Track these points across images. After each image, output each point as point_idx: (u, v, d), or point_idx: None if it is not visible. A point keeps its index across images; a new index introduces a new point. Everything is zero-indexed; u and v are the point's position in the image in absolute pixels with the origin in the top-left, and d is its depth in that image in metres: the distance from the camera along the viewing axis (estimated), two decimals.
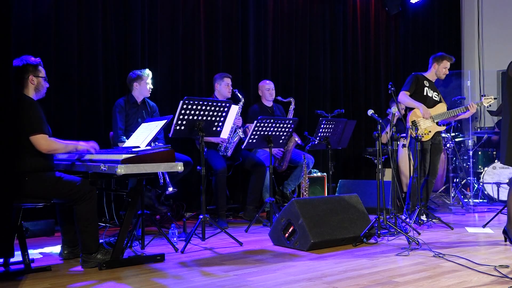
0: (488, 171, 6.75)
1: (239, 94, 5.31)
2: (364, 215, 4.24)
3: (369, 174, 7.45)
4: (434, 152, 5.25)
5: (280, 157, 5.63)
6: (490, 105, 5.28)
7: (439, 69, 5.31)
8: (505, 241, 4.03)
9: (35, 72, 3.39)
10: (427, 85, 5.27)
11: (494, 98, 5.28)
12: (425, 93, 5.23)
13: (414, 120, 5.14)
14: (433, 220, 5.02)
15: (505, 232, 4.00)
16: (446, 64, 5.32)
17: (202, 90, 5.98)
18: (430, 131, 5.16)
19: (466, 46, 8.78)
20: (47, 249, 3.98)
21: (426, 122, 5.15)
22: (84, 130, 5.11)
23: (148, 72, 4.86)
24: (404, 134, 5.98)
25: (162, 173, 4.50)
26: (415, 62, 8.11)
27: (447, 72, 5.37)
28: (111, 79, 5.36)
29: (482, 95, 5.34)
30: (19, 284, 2.96)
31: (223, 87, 5.36)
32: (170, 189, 4.54)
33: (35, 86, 3.39)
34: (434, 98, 5.27)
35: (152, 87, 4.92)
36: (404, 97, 5.20)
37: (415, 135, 4.91)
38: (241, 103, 5.32)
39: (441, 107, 5.26)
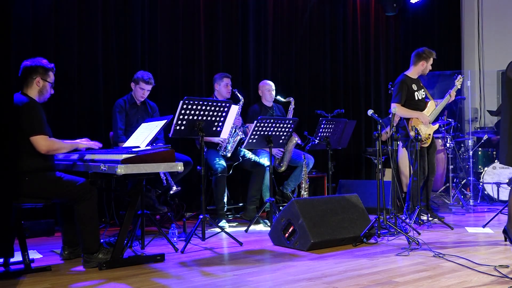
0: (488, 171, 6.75)
1: (238, 94, 5.31)
2: (364, 215, 4.24)
3: (369, 174, 7.46)
4: (429, 151, 5.25)
5: (280, 157, 5.63)
6: (461, 85, 5.37)
7: (427, 66, 5.24)
8: (505, 240, 4.03)
9: (43, 75, 3.40)
10: (415, 88, 5.19)
11: (462, 76, 5.41)
12: (416, 98, 5.17)
13: (416, 128, 5.12)
14: (434, 219, 5.02)
15: (505, 231, 4.00)
16: (432, 61, 5.28)
17: (202, 90, 5.99)
18: (429, 134, 5.16)
19: (466, 46, 8.78)
20: (47, 249, 3.98)
21: (425, 127, 5.14)
22: (84, 130, 5.11)
23: (147, 79, 4.84)
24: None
25: (164, 173, 4.51)
26: None
27: (431, 68, 5.33)
28: (111, 79, 5.37)
29: (455, 76, 5.37)
30: (19, 284, 2.96)
31: (223, 87, 5.37)
32: (174, 188, 4.55)
33: (40, 89, 3.39)
34: (422, 97, 5.24)
35: (147, 94, 4.91)
36: (399, 110, 5.10)
37: (414, 135, 4.91)
38: (240, 103, 5.32)
39: (431, 106, 5.24)
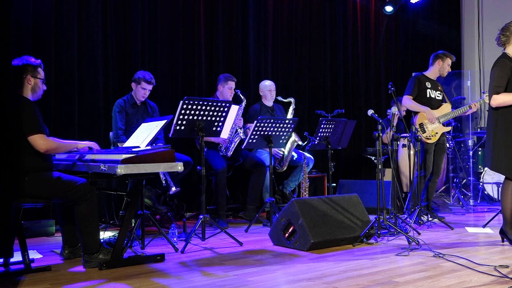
0: (488, 171, 6.75)
1: (241, 95, 5.31)
2: (364, 215, 4.24)
3: (369, 174, 7.46)
4: (438, 152, 5.26)
5: (280, 157, 5.62)
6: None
7: (443, 66, 5.29)
8: (502, 241, 4.04)
9: (33, 72, 3.38)
10: (429, 86, 5.25)
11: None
12: (428, 95, 5.21)
13: (422, 123, 5.14)
14: (434, 219, 5.03)
15: (502, 232, 4.01)
16: (449, 62, 5.32)
17: (202, 90, 5.99)
18: (437, 133, 5.17)
19: (466, 46, 8.78)
20: (47, 249, 3.98)
21: (433, 124, 5.15)
22: (84, 130, 5.12)
23: (149, 79, 4.84)
24: (405, 134, 5.99)
25: (164, 173, 4.51)
26: (415, 62, 8.11)
27: (450, 70, 5.37)
28: (111, 79, 5.37)
29: (483, 92, 5.34)
30: (19, 284, 2.96)
31: (226, 90, 5.36)
32: (173, 188, 4.56)
33: (32, 87, 3.37)
34: (437, 98, 5.27)
35: (148, 94, 4.91)
36: (409, 101, 5.18)
37: (417, 134, 4.94)
38: (243, 104, 5.32)
39: (446, 108, 5.26)
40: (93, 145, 3.58)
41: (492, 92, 3.84)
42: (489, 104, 4.03)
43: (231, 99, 5.35)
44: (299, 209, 3.88)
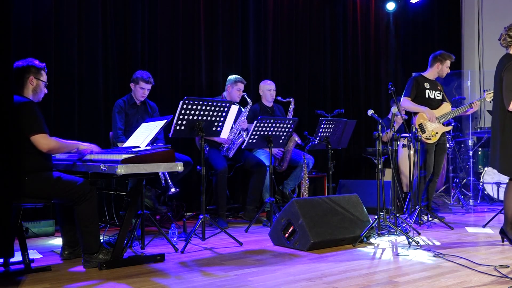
0: (488, 171, 6.75)
1: (247, 98, 5.31)
2: (364, 215, 4.24)
3: (369, 174, 7.45)
4: (439, 152, 5.26)
5: (280, 157, 5.62)
6: (492, 100, 5.27)
7: (443, 68, 5.29)
8: (503, 241, 4.04)
9: (36, 74, 3.40)
10: (428, 86, 5.24)
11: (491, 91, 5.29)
12: (427, 96, 5.21)
13: (421, 123, 5.15)
14: (434, 220, 5.03)
15: (502, 232, 4.00)
16: (448, 64, 5.32)
17: (202, 90, 5.99)
18: (437, 133, 5.17)
19: (466, 46, 8.77)
20: (47, 249, 3.98)
21: (433, 124, 5.15)
22: (84, 130, 5.12)
23: (147, 79, 4.83)
24: (405, 134, 5.98)
25: (164, 174, 4.51)
26: (415, 62, 8.11)
27: (449, 71, 5.37)
28: (111, 79, 5.37)
29: (484, 90, 5.33)
30: (19, 284, 2.96)
31: (234, 91, 5.37)
32: (173, 189, 4.55)
33: (34, 88, 3.39)
34: (437, 98, 5.27)
35: (147, 93, 4.91)
36: (407, 103, 5.18)
37: (417, 135, 4.94)
38: (248, 106, 5.32)
39: (446, 107, 5.26)
40: (94, 148, 3.55)
41: (510, 97, 3.80)
42: (493, 105, 4.03)
43: (238, 101, 5.37)
44: (299, 209, 3.88)
